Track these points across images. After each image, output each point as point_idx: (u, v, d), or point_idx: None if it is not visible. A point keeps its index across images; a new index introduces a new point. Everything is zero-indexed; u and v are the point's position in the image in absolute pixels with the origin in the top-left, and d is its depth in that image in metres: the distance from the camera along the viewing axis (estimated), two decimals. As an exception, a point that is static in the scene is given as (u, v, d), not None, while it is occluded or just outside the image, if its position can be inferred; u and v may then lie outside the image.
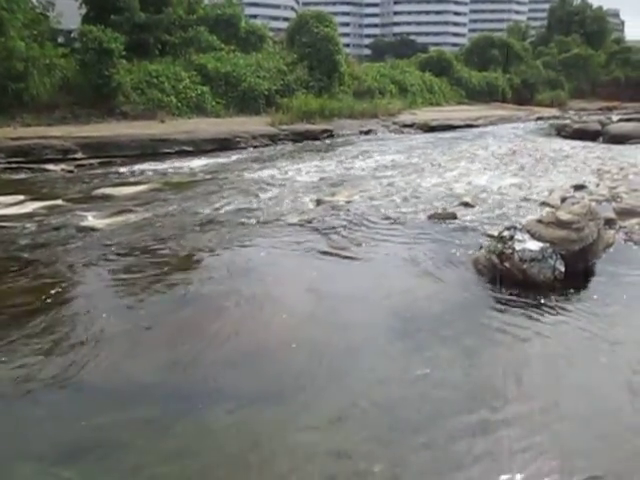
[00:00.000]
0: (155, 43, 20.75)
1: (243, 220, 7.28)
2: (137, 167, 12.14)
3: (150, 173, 11.52)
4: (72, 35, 20.01)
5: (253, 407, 3.21)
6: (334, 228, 6.79)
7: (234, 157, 14.05)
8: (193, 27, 22.73)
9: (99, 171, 11.80)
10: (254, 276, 5.26)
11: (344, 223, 7.01)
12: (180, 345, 3.98)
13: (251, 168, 12.04)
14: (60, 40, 19.85)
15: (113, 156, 13.15)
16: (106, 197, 8.94)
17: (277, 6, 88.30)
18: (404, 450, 2.85)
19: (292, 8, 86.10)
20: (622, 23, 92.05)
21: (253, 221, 7.23)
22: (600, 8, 55.79)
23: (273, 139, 17.20)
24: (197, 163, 12.87)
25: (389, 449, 2.87)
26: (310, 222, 7.11)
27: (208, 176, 11.07)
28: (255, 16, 56.63)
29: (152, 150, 14.06)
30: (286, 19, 57.38)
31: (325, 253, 5.91)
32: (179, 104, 19.03)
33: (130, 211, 7.83)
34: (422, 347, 3.89)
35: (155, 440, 2.94)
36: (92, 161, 12.71)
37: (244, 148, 15.74)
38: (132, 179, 10.85)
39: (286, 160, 13.34)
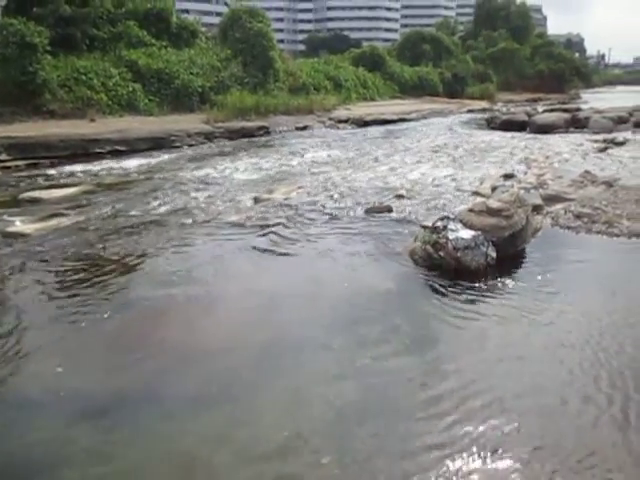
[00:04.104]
0: (82, 38, 19.91)
1: (180, 220, 7.16)
2: (67, 168, 11.67)
3: (81, 174, 11.11)
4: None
5: (195, 411, 3.17)
6: (273, 225, 6.79)
7: (169, 156, 13.75)
8: (122, 21, 21.96)
9: (26, 173, 11.25)
10: (192, 277, 5.19)
11: (283, 220, 7.02)
12: (118, 352, 3.89)
13: (187, 167, 11.83)
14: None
15: (41, 157, 12.54)
16: (35, 201, 8.54)
17: (209, 1, 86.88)
18: (351, 441, 2.90)
19: (225, 3, 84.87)
20: (544, 18, 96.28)
21: (190, 221, 7.12)
22: (524, 4, 58.16)
23: (209, 137, 16.95)
24: (131, 163, 12.51)
25: (336, 441, 2.91)
26: (248, 220, 7.08)
27: (143, 176, 10.80)
28: (187, 11, 55.38)
29: (83, 150, 13.51)
30: (219, 14, 56.46)
31: (264, 251, 5.91)
32: (110, 102, 18.37)
33: (61, 215, 7.53)
34: (363, 338, 3.97)
35: (94, 456, 2.86)
36: (18, 163, 12.07)
37: (179, 147, 15.43)
38: (62, 181, 10.42)
39: (222, 158, 13.19)
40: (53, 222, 7.13)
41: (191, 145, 15.84)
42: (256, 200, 8.14)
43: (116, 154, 13.77)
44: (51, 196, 8.86)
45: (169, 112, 19.86)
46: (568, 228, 6.40)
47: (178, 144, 15.64)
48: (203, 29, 27.56)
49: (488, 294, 4.69)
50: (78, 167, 11.84)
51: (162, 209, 7.83)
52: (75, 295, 4.80)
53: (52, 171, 11.44)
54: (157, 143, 15.17)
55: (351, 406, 3.20)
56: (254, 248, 5.98)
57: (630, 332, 3.95)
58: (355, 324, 4.19)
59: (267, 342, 3.96)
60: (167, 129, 16.18)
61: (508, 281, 4.96)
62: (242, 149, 15.05)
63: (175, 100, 20.49)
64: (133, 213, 7.62)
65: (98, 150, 13.78)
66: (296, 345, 3.91)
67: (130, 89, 19.18)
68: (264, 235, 6.43)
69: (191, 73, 21.29)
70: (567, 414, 3.06)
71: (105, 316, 4.37)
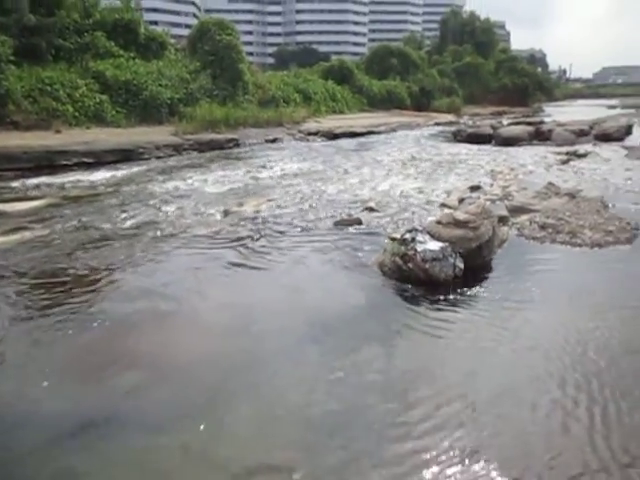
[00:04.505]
0: (48, 48, 19.61)
1: (148, 234, 7.08)
2: (32, 181, 11.43)
3: (46, 187, 10.89)
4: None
5: (167, 427, 3.13)
6: (243, 239, 6.77)
7: (137, 169, 13.60)
8: (89, 32, 21.74)
9: (-12, 186, 11.00)
10: (161, 292, 5.12)
11: (252, 233, 7.01)
12: (85, 369, 3.81)
13: (155, 180, 11.72)
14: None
15: (4, 169, 12.26)
16: (-3, 214, 8.35)
17: (177, 13, 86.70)
18: (323, 454, 2.90)
19: (194, 15, 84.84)
20: (508, 34, 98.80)
21: (159, 234, 7.04)
22: (488, 20, 59.75)
23: (177, 149, 16.83)
24: (98, 175, 12.33)
25: (308, 454, 2.91)
26: (218, 233, 7.04)
27: (110, 189, 10.65)
28: (155, 22, 55.15)
29: (48, 162, 13.24)
30: (188, 26, 56.40)
31: (234, 264, 5.88)
32: (76, 113, 18.11)
33: (25, 228, 7.37)
34: (335, 351, 3.98)
35: (64, 474, 2.80)
36: (-21, 176, 11.82)
37: (147, 159, 15.28)
38: (27, 194, 10.21)
39: (192, 171, 13.10)
40: (16, 236, 6.97)
41: (160, 157, 15.70)
42: (226, 213, 8.10)
43: (83, 166, 13.55)
44: (14, 209, 8.67)
45: (137, 124, 19.68)
46: (533, 238, 6.55)
47: (146, 156, 15.49)
48: (172, 41, 27.48)
49: (456, 304, 4.77)
50: (43, 179, 11.62)
51: (130, 222, 7.73)
52: (39, 312, 4.69)
53: (15, 184, 11.18)
54: (125, 155, 14.99)
55: (324, 418, 3.20)
56: (224, 261, 5.95)
57: (592, 337, 4.06)
58: (326, 336, 4.20)
59: (239, 356, 3.94)
60: (135, 141, 16.01)
61: (476, 291, 5.05)
62: (211, 161, 14.98)
63: (143, 112, 20.32)
64: (100, 226, 7.50)
65: (64, 162, 13.53)
66: (268, 358, 3.90)
67: (97, 100, 18.95)
68: (234, 248, 6.40)
69: (160, 85, 21.16)
70: (536, 419, 3.12)
71: (71, 332, 4.28)
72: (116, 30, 22.78)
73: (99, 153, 14.50)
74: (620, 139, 18.41)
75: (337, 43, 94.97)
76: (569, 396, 3.32)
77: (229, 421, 3.19)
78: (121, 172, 12.93)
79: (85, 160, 13.97)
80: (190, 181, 11.36)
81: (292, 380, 3.62)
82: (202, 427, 3.12)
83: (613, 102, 60.78)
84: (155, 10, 75.86)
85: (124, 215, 8.15)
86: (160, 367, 3.78)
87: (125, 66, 21.21)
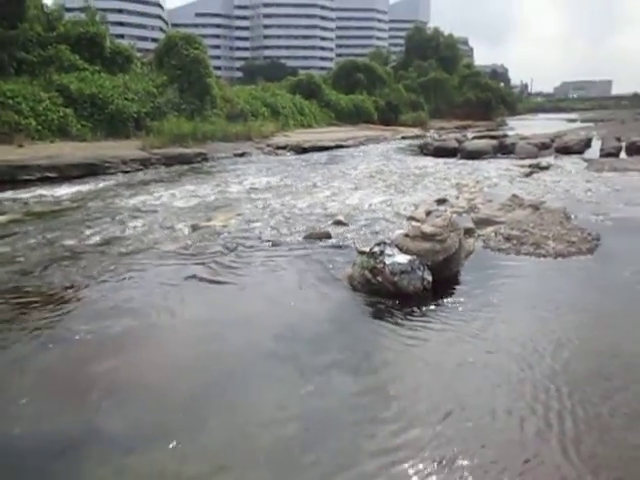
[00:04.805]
0: (10, 61, 19.30)
1: (115, 250, 6.96)
2: (-8, 197, 11.17)
3: (8, 203, 10.63)
4: None
5: (139, 449, 3.06)
6: (211, 254, 6.71)
7: (103, 183, 13.41)
8: (53, 45, 21.47)
9: (-54, 203, 10.68)
10: (128, 310, 5.02)
11: (221, 248, 6.96)
12: (49, 391, 3.70)
13: (122, 194, 11.56)
14: None
15: (-38, 186, 11.98)
16: (-45, 231, 8.10)
17: (144, 26, 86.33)
18: (297, 471, 2.88)
19: (160, 29, 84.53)
20: (471, 50, 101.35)
21: (125, 250, 6.93)
22: (451, 36, 61.23)
23: (145, 164, 16.66)
24: (62, 191, 12.10)
25: (282, 472, 2.88)
26: (186, 249, 6.97)
27: (75, 204, 10.45)
28: (122, 36, 54.85)
29: (10, 177, 12.92)
30: (154, 40, 56.21)
31: (203, 280, 5.82)
32: (39, 127, 17.79)
33: (-15, 246, 7.18)
34: (305, 366, 3.96)
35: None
36: None
37: (114, 173, 15.08)
38: (-13, 210, 9.96)
39: (159, 185, 12.98)
40: (-23, 254, 6.78)
41: (127, 172, 15.52)
42: (194, 228, 8.04)
43: (46, 181, 13.28)
44: (-26, 226, 8.43)
45: (103, 138, 19.46)
46: (499, 250, 6.68)
47: (113, 171, 15.30)
48: (138, 54, 27.33)
49: (425, 317, 4.81)
50: (4, 195, 11.35)
51: (96, 238, 7.59)
52: None
53: (-25, 200, 10.90)
54: (91, 170, 14.77)
55: (296, 435, 3.18)
56: (192, 277, 5.89)
57: (555, 344, 4.16)
58: (297, 352, 4.18)
59: (209, 373, 3.89)
60: (101, 155, 15.80)
61: (444, 303, 5.11)
62: (180, 176, 14.88)
63: (109, 126, 20.11)
64: (65, 243, 7.34)
65: (26, 177, 13.23)
66: (238, 375, 3.86)
67: (61, 114, 18.69)
68: (203, 263, 6.34)
69: (126, 98, 20.99)
70: (507, 427, 3.16)
71: (32, 354, 4.16)
72: (81, 43, 22.55)
73: (63, 167, 14.23)
74: (580, 152, 19.01)
75: (305, 58, 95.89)
76: (540, 402, 3.39)
77: (202, 439, 3.14)
78: (87, 187, 12.73)
79: (49, 175, 13.70)
80: (158, 195, 11.24)
81: (263, 397, 3.60)
82: (174, 446, 3.07)
83: (573, 116, 62.85)
84: (121, 24, 75.47)
85: (90, 231, 8.01)
86: (129, 386, 3.70)
87: (90, 79, 20.99)
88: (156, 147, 18.30)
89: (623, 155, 17.80)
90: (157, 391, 3.66)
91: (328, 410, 3.41)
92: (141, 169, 16.15)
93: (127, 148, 17.72)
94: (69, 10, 25.65)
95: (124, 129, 20.37)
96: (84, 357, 4.13)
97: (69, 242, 7.39)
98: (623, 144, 19.17)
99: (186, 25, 71.78)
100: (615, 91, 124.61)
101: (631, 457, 2.93)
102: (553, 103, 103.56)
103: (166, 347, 4.38)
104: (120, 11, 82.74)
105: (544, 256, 6.41)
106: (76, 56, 21.94)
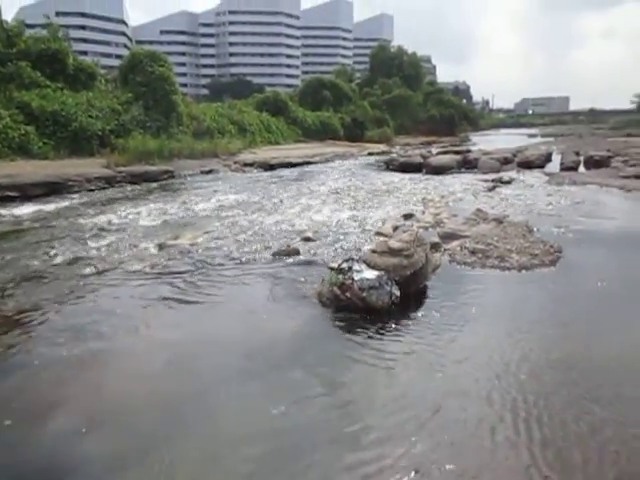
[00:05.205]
0: (-32, 78, 18.90)
1: (79, 271, 6.81)
2: (-51, 218, 10.83)
3: (-34, 224, 10.35)
4: None
5: (107, 477, 2.99)
6: (179, 273, 6.64)
7: (67, 202, 13.16)
8: (13, 62, 21.08)
9: None
10: (93, 331, 4.91)
11: (189, 267, 6.89)
12: (12, 418, 3.57)
13: (86, 214, 11.36)
14: None
15: None
16: None
17: (108, 43, 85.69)
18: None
19: (124, 45, 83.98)
20: (434, 67, 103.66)
21: (90, 271, 6.79)
22: (414, 54, 62.57)
23: (110, 182, 16.44)
24: (23, 210, 11.83)
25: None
26: (153, 268, 6.88)
27: (37, 224, 10.22)
28: (85, 52, 54.29)
29: (-33, 197, 12.65)
30: (118, 56, 55.75)
31: (170, 300, 5.74)
32: (-1, 145, 17.41)
33: (-58, 269, 6.94)
34: (275, 384, 3.94)
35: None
36: None
37: (78, 192, 14.84)
38: (-56, 232, 9.65)
39: (125, 203, 12.81)
40: None
41: (91, 190, 15.29)
42: (161, 247, 7.94)
43: (7, 200, 12.97)
44: None
45: (67, 156, 19.12)
46: (464, 264, 6.79)
47: (77, 189, 15.05)
48: (102, 71, 27.06)
49: (394, 331, 4.85)
50: (-37, 216, 11.03)
51: (59, 259, 7.43)
52: (-40, 357, 4.40)
53: None
54: (53, 188, 14.50)
55: (267, 454, 3.15)
56: (160, 297, 5.80)
57: (520, 354, 4.24)
58: (267, 370, 4.16)
59: (178, 394, 3.83)
60: (64, 173, 15.52)
61: (412, 317, 5.16)
62: (146, 194, 14.72)
63: (73, 143, 19.79)
64: (27, 264, 7.16)
65: (-16, 196, 12.91)
66: (208, 395, 3.81)
67: (22, 132, 18.31)
68: (170, 283, 6.26)
69: (90, 116, 20.71)
70: (476, 440, 3.20)
71: (-5, 378, 4.04)
72: (42, 60, 22.20)
73: (24, 186, 13.91)
74: (541, 166, 19.57)
75: (271, 75, 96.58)
76: (508, 409, 3.47)
77: (173, 462, 3.08)
78: (49, 206, 12.47)
79: (9, 194, 13.37)
80: (123, 214, 11.08)
81: (234, 416, 3.56)
82: (145, 471, 3.01)
83: (533, 131, 64.60)
84: (84, 40, 74.82)
85: (53, 251, 7.83)
86: (95, 411, 3.62)
87: (52, 97, 20.65)
88: (121, 165, 18.09)
89: (582, 169, 18.40)
90: (125, 415, 3.58)
91: (299, 427, 3.39)
92: (106, 187, 15.92)
93: (91, 166, 17.46)
94: (30, 26, 25.24)
95: (88, 147, 20.07)
96: (46, 382, 4.02)
97: (31, 263, 7.22)
98: (581, 158, 19.83)
99: (151, 42, 71.50)
100: (572, 107, 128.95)
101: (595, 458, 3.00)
102: (514, 119, 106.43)
103: (132, 370, 4.29)
104: (83, 27, 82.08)
105: (509, 269, 6.55)
106: (37, 73, 21.58)
